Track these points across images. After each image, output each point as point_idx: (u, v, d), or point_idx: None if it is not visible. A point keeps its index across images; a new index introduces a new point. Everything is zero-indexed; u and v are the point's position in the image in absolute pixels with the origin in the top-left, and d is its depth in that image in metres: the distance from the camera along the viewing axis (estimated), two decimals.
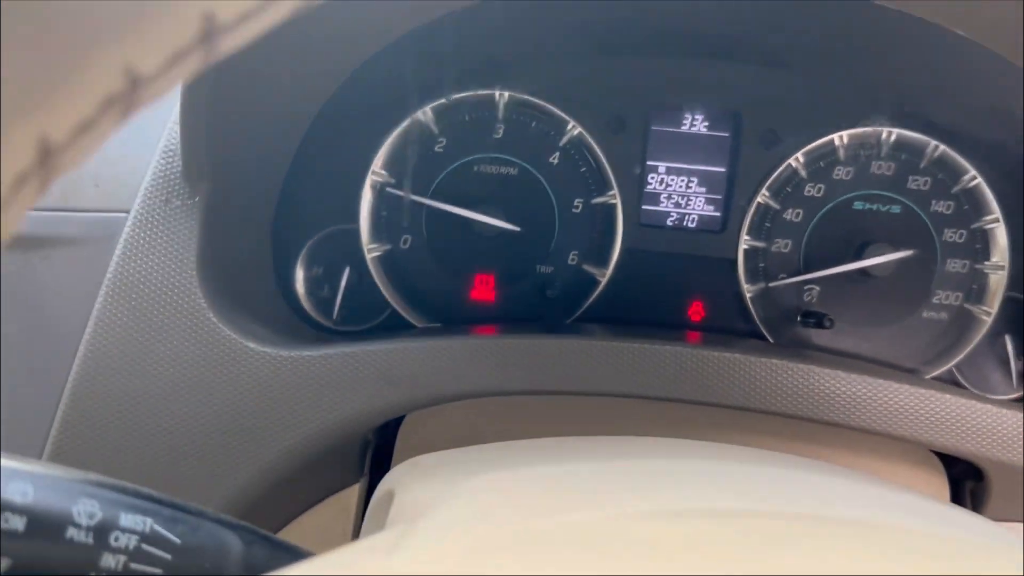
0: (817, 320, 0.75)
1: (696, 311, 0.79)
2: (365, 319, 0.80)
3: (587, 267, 0.79)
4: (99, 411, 0.60)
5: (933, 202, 0.77)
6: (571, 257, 0.79)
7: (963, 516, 0.43)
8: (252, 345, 0.61)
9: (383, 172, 0.78)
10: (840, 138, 0.77)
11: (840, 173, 0.78)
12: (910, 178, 0.77)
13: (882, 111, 0.77)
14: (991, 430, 0.64)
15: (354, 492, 0.70)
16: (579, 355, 0.65)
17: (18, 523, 0.36)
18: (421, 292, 0.79)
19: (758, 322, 0.78)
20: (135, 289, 0.61)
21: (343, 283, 0.79)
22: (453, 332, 0.70)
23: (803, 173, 0.77)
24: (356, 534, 0.67)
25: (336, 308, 0.79)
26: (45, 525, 0.37)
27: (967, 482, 0.70)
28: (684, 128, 0.78)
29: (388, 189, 0.78)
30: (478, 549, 0.27)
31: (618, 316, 0.79)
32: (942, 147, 0.76)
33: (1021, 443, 0.64)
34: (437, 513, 0.33)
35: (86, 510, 0.38)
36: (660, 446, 0.52)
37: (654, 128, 0.78)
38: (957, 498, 0.70)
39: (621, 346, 0.66)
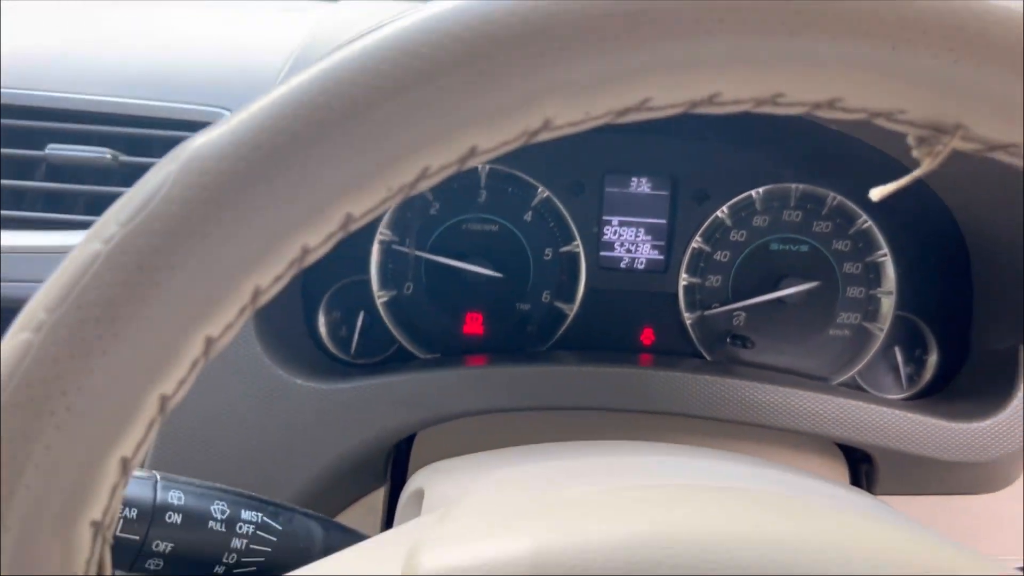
0: (742, 342, 0.93)
1: (647, 336, 0.97)
2: (377, 353, 0.97)
3: (558, 303, 0.97)
4: (186, 435, 0.77)
5: (834, 241, 0.96)
6: (544, 296, 0.97)
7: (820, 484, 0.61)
8: (299, 381, 0.79)
9: (388, 232, 0.95)
10: (757, 193, 0.95)
11: (758, 221, 0.96)
12: (815, 223, 0.96)
13: (790, 171, 0.95)
14: (876, 425, 0.82)
15: (378, 495, 0.87)
16: (553, 379, 0.83)
17: (177, 519, 0.53)
18: (422, 329, 0.96)
19: (697, 344, 0.96)
20: None
21: (358, 324, 0.96)
22: (451, 363, 0.87)
23: (728, 222, 0.96)
24: (387, 526, 0.84)
25: (353, 345, 0.96)
26: (194, 519, 0.53)
27: (862, 465, 0.88)
28: (632, 189, 0.96)
29: (393, 246, 0.95)
30: (507, 518, 0.44)
31: (584, 342, 0.97)
32: (839, 197, 0.95)
33: (898, 434, 0.82)
34: (470, 497, 0.50)
35: (219, 508, 0.54)
36: (621, 447, 0.70)
37: (608, 190, 0.96)
38: (855, 478, 0.88)
39: (586, 370, 0.84)
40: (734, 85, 0.36)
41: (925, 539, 0.39)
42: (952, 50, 0.34)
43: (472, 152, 0.36)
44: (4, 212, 0.82)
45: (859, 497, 0.64)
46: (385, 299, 0.96)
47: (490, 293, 0.96)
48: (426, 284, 0.96)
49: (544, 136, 0.37)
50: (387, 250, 0.96)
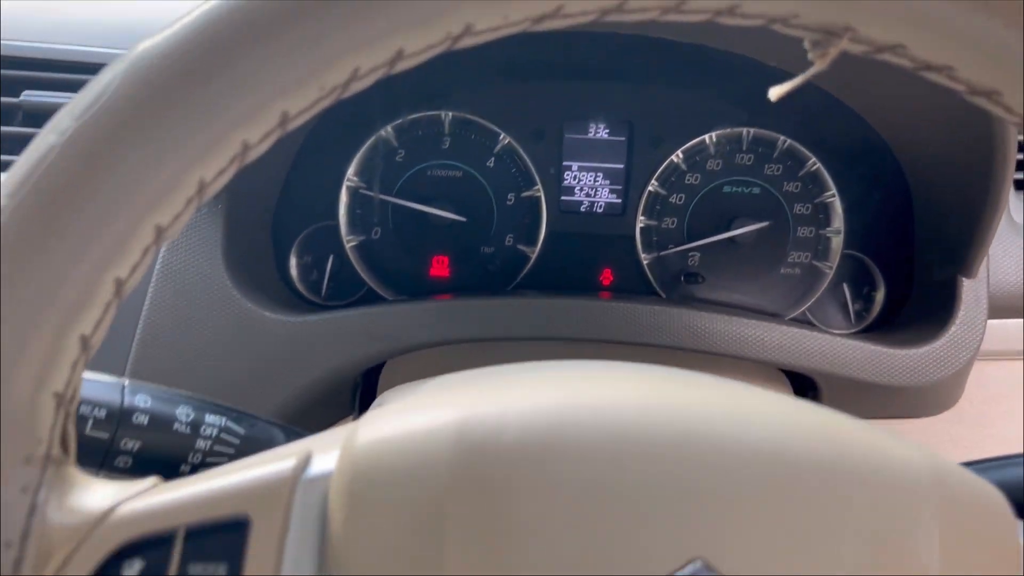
0: (695, 278, 0.97)
1: (607, 277, 1.01)
2: (346, 296, 1.00)
3: (520, 246, 1.00)
4: (159, 368, 0.81)
5: (784, 183, 1.00)
6: (507, 239, 1.00)
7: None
8: (268, 314, 0.82)
9: (356, 179, 0.99)
10: (710, 137, 0.99)
11: (712, 164, 1.00)
12: (766, 166, 0.99)
13: (741, 115, 0.99)
14: (820, 351, 0.87)
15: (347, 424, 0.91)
16: (517, 311, 0.87)
17: (143, 419, 0.56)
18: (390, 272, 1.00)
19: (654, 283, 1.00)
20: (178, 275, 0.82)
21: (328, 268, 1.00)
22: (419, 300, 0.91)
23: (683, 166, 0.99)
24: None
25: (324, 288, 1.00)
26: (160, 421, 0.57)
27: (808, 393, 0.93)
28: (590, 135, 1.00)
29: (361, 191, 0.99)
30: (436, 397, 0.48)
31: (546, 284, 1.00)
32: (789, 141, 0.99)
33: (842, 360, 0.86)
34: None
35: (184, 412, 0.58)
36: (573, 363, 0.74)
37: (567, 136, 1.00)
38: None
39: (548, 302, 0.88)
40: None
41: (845, 419, 0.42)
42: None
43: (400, 55, 0.39)
44: None
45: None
46: (354, 243, 0.99)
47: (455, 237, 1.00)
48: (393, 229, 1.00)
49: (468, 41, 0.40)
50: (355, 196, 0.99)
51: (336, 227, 0.99)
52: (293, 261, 0.99)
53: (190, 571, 0.39)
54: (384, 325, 0.84)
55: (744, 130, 0.99)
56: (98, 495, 0.41)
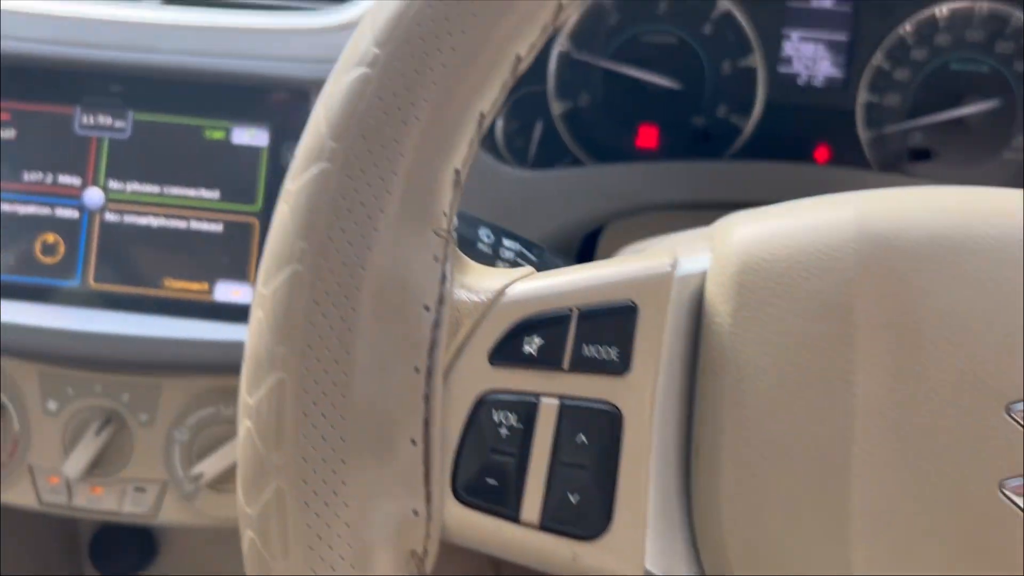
0: (921, 155, 0.94)
1: (821, 154, 0.98)
2: (552, 164, 1.00)
3: (733, 118, 0.98)
4: None
5: (1015, 62, 0.95)
6: (720, 110, 0.98)
7: None
8: (502, 165, 0.83)
9: (567, 42, 0.97)
10: (940, 10, 0.95)
11: (940, 39, 0.95)
12: (997, 42, 0.95)
13: None
14: None
15: None
16: (741, 174, 0.86)
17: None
18: (597, 141, 0.99)
19: (871, 162, 0.97)
20: None
21: (536, 135, 1.00)
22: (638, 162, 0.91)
23: (910, 40, 0.95)
24: None
25: (530, 156, 1.00)
26: (466, 240, 0.58)
27: None
28: (813, 4, 0.96)
29: (571, 56, 0.98)
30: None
31: (758, 158, 0.99)
32: None
33: None
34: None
35: (485, 233, 0.59)
36: None
37: (788, 4, 0.96)
38: None
39: (766, 166, 0.87)
40: None
41: None
42: None
43: None
44: None
45: None
46: (561, 110, 0.98)
47: (666, 106, 0.98)
48: (602, 96, 0.98)
49: None
50: (564, 61, 0.98)
51: (544, 93, 0.98)
52: (500, 126, 0.99)
53: (584, 353, 0.40)
54: (612, 184, 0.84)
55: (977, 4, 0.94)
56: (489, 275, 0.42)
